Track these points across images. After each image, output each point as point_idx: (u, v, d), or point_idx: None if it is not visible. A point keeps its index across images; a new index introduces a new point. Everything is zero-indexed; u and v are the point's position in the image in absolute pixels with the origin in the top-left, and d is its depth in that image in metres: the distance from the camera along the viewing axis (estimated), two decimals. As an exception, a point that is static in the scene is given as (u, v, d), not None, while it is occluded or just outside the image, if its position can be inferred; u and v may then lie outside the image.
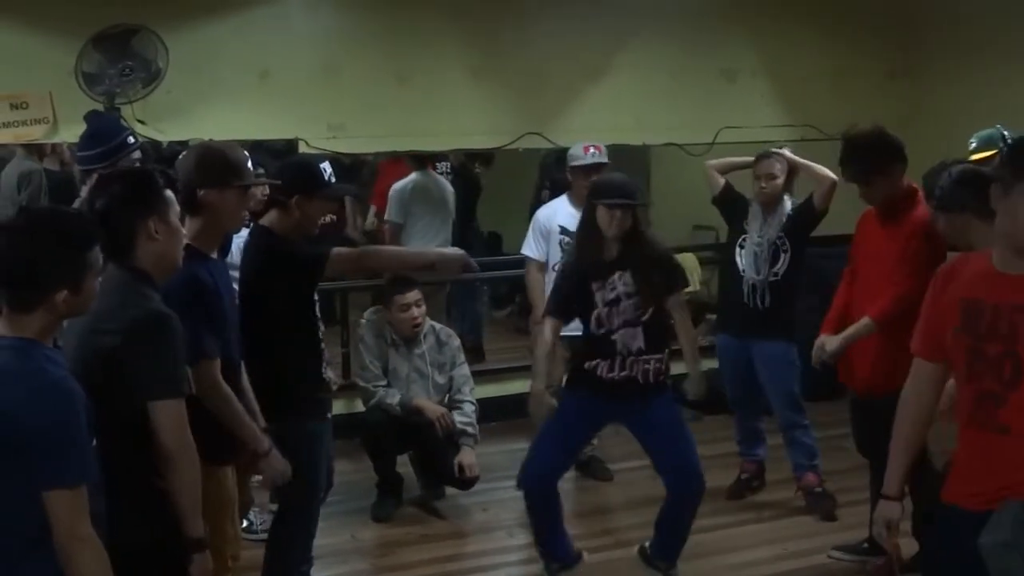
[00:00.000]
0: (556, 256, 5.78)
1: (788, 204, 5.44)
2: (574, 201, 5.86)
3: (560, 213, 5.87)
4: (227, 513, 3.45)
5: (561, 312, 4.50)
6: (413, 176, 7.53)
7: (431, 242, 7.38)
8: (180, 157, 3.82)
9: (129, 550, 2.61)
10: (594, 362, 4.37)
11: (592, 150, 5.81)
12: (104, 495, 2.56)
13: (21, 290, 2.48)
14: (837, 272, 5.62)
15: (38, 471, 2.37)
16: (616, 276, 4.35)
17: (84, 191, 7.55)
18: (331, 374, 4.25)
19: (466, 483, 5.54)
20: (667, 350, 4.48)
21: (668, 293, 4.49)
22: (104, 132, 4.59)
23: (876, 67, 7.59)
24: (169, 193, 3.02)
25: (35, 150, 7.04)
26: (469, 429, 5.55)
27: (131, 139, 4.52)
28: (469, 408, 5.62)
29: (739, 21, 7.31)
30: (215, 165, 3.52)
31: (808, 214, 5.40)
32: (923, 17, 7.62)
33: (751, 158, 5.59)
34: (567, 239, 5.75)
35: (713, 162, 5.76)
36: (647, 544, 4.62)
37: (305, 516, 4.09)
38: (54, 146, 6.84)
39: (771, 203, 5.42)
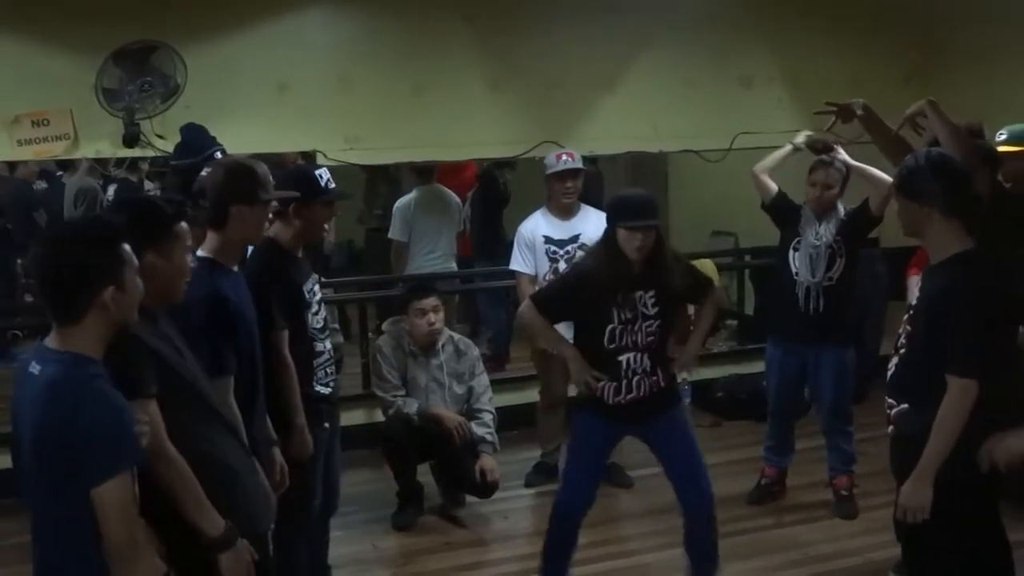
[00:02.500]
0: (544, 267, 5.82)
1: (841, 209, 5.41)
2: (553, 210, 5.90)
3: (541, 224, 5.91)
4: None
5: (546, 309, 4.37)
6: (415, 191, 7.61)
7: (432, 255, 7.46)
8: (206, 172, 3.87)
9: None
10: (600, 385, 4.28)
11: (565, 157, 5.83)
12: None
13: (67, 298, 2.49)
14: (858, 277, 5.65)
15: (88, 475, 2.38)
16: (638, 295, 4.22)
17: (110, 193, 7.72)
18: (324, 390, 4.25)
19: (486, 490, 5.55)
20: (672, 370, 4.43)
21: (697, 300, 4.49)
22: (194, 144, 4.70)
23: (892, 73, 7.56)
24: (182, 227, 3.00)
25: (100, 165, 7.23)
26: (488, 437, 5.57)
27: (219, 154, 4.60)
28: (488, 417, 5.64)
29: (755, 28, 7.30)
30: (245, 180, 3.57)
31: (864, 219, 5.34)
32: (939, 23, 7.60)
33: (788, 147, 5.57)
34: (553, 248, 5.79)
35: (760, 166, 5.62)
36: None
37: (298, 525, 4.10)
38: (133, 160, 6.99)
39: (824, 211, 5.39)
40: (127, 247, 2.59)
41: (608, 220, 4.28)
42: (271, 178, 3.70)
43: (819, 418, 5.68)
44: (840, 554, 5.08)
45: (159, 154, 5.91)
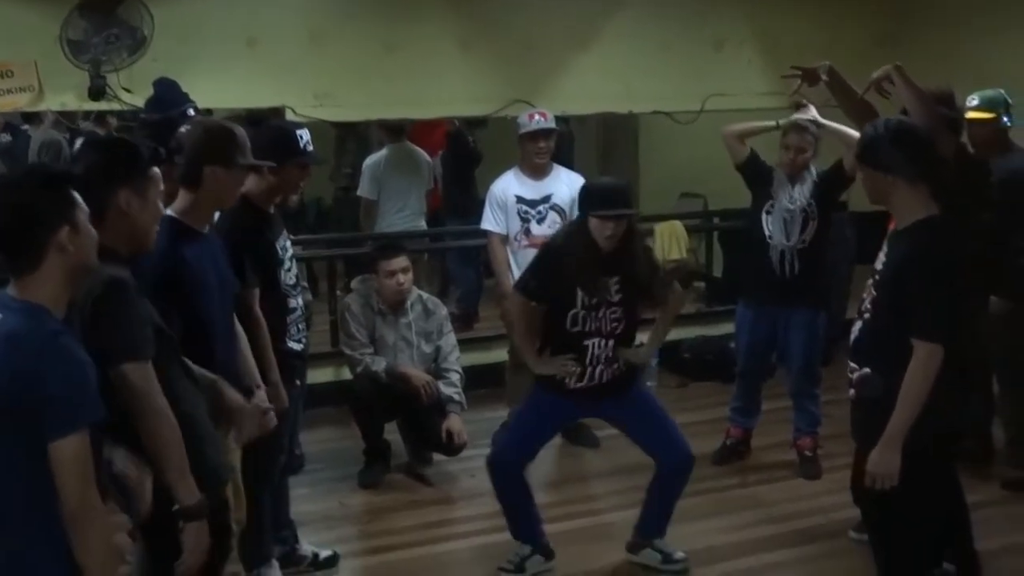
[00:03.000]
0: (516, 227, 5.82)
1: (814, 171, 5.42)
2: (525, 169, 5.89)
3: (513, 184, 5.90)
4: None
5: (532, 294, 4.43)
6: (386, 149, 7.58)
7: (402, 212, 7.45)
8: (184, 129, 3.83)
9: None
10: (573, 370, 4.35)
11: (538, 117, 5.81)
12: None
13: (22, 242, 2.44)
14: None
15: (48, 430, 2.34)
16: (603, 281, 4.29)
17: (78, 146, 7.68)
18: (297, 346, 4.24)
19: (453, 449, 5.57)
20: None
21: (658, 298, 4.52)
22: (167, 99, 4.66)
23: (863, 35, 7.57)
24: (155, 170, 2.99)
25: (66, 118, 7.15)
26: (456, 397, 5.58)
27: (191, 111, 4.58)
28: (455, 377, 5.65)
29: (727, -11, 7.29)
30: (223, 143, 3.55)
31: (837, 180, 5.35)
32: (910, -15, 7.62)
33: (771, 123, 5.54)
34: (524, 208, 5.79)
35: (732, 129, 5.59)
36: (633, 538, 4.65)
37: (264, 481, 4.10)
38: (100, 114, 6.92)
39: (797, 174, 5.40)
40: (76, 193, 2.54)
41: (580, 207, 4.36)
42: (249, 143, 3.68)
43: (788, 380, 5.73)
44: (802, 513, 5.14)
45: (125, 107, 5.84)
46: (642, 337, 4.65)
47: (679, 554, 4.56)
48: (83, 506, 2.36)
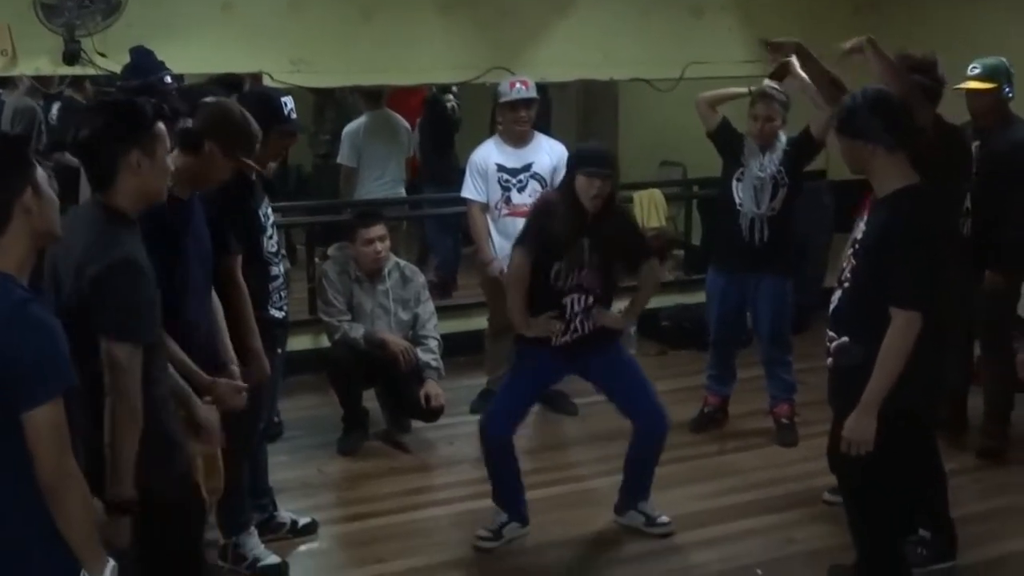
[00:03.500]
0: (496, 195, 5.81)
1: (783, 138, 5.42)
2: (505, 138, 5.87)
3: (494, 152, 5.88)
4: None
5: (534, 248, 4.42)
6: (365, 116, 7.54)
7: (381, 180, 7.42)
8: (206, 100, 3.79)
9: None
10: (557, 327, 4.39)
11: (519, 85, 5.78)
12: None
13: None
14: (804, 208, 5.69)
15: (22, 400, 2.31)
16: (586, 241, 4.34)
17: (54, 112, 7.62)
18: (278, 313, 4.23)
19: (432, 414, 5.57)
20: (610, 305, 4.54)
21: (634, 264, 4.56)
22: (143, 66, 4.65)
23: (842, 3, 7.56)
24: (160, 126, 2.97)
25: (42, 83, 7.09)
26: (433, 363, 5.58)
27: (168, 78, 4.57)
28: (433, 343, 5.64)
29: (707, -45, 7.25)
30: (236, 132, 3.60)
31: (806, 147, 5.37)
32: (891, -49, 7.59)
33: (743, 89, 5.54)
34: (505, 176, 5.78)
35: (705, 96, 5.60)
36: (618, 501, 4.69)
37: (243, 449, 4.11)
38: (76, 79, 6.87)
39: (767, 143, 5.40)
40: (31, 154, 2.51)
41: (568, 167, 4.41)
42: (257, 138, 3.71)
43: (759, 348, 5.75)
44: (779, 480, 5.18)
45: (100, 72, 5.78)
46: (620, 306, 4.67)
47: (663, 518, 4.61)
48: (60, 475, 2.34)
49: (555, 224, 4.34)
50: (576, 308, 4.39)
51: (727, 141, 5.55)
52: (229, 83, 4.89)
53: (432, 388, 5.53)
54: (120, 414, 2.78)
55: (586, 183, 4.27)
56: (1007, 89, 4.99)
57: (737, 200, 5.46)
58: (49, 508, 2.36)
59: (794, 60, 5.07)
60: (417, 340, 5.63)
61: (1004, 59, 5.02)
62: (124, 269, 2.82)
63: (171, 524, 3.02)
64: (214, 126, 3.57)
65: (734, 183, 5.48)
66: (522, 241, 4.49)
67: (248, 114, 3.74)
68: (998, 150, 4.96)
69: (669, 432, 4.57)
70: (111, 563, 2.44)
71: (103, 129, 2.91)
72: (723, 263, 5.68)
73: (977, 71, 4.99)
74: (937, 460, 4.22)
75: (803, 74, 5.06)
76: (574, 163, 4.39)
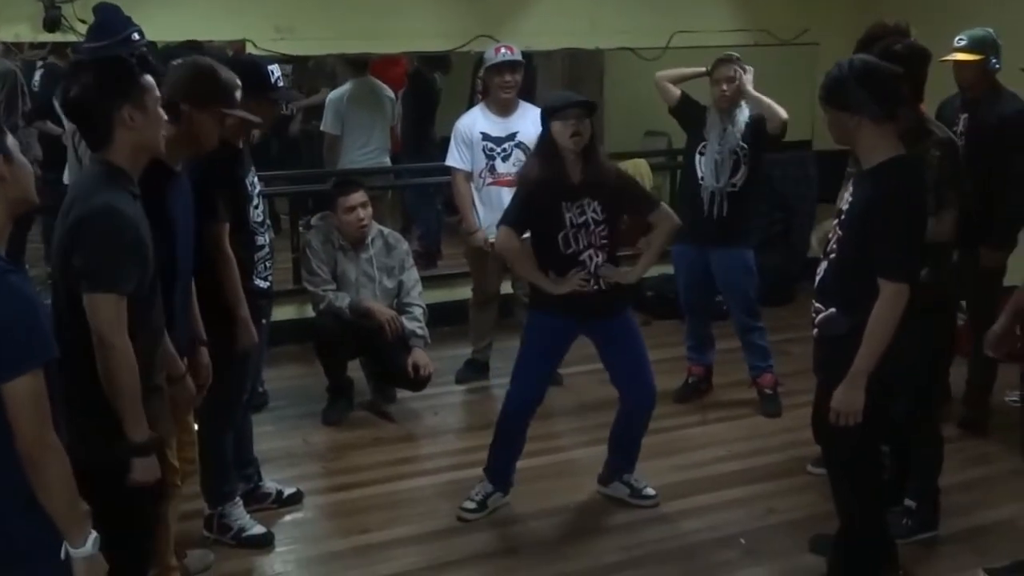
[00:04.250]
0: (481, 164, 5.79)
1: (746, 111, 5.43)
2: (491, 106, 5.85)
3: (480, 120, 5.86)
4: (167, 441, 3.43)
5: (521, 224, 4.39)
6: (349, 84, 7.49)
7: (366, 148, 7.38)
8: (172, 64, 3.75)
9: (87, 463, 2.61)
10: (582, 276, 4.32)
11: (504, 50, 5.75)
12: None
13: None
14: (785, 179, 5.70)
15: (1, 370, 2.28)
16: (586, 201, 4.29)
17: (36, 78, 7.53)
18: (263, 283, 4.22)
19: (418, 384, 5.57)
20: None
21: (646, 211, 4.51)
22: (109, 25, 4.54)
23: (832, -29, 7.55)
24: (148, 78, 2.96)
25: (17, 49, 7.01)
26: (419, 331, 5.58)
27: (136, 35, 4.47)
28: (418, 311, 5.64)
29: (694, -77, 7.21)
30: (205, 84, 3.51)
31: (762, 133, 5.39)
32: (879, -79, 7.55)
33: (702, 68, 5.54)
34: (490, 145, 5.75)
35: (664, 73, 5.64)
36: (603, 471, 4.70)
37: (227, 419, 4.12)
38: (56, 46, 6.81)
39: (730, 108, 5.40)
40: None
41: (542, 122, 4.32)
42: (237, 88, 3.63)
43: (731, 320, 5.78)
44: (762, 451, 5.21)
45: (81, 39, 5.70)
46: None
47: (649, 489, 4.62)
48: (41, 447, 2.32)
49: (542, 180, 4.27)
50: (593, 263, 4.33)
51: (689, 114, 5.58)
52: (192, 48, 4.82)
53: (420, 357, 5.52)
54: (111, 367, 2.79)
55: (561, 126, 4.21)
56: (994, 61, 4.98)
57: (699, 173, 5.48)
58: (30, 479, 2.34)
59: (746, 77, 5.31)
60: (402, 308, 5.63)
61: (991, 30, 5.00)
62: (104, 215, 2.81)
63: (130, 494, 2.97)
64: (183, 85, 3.50)
65: (697, 156, 5.51)
66: (507, 219, 4.42)
67: (217, 64, 3.69)
68: (986, 122, 4.96)
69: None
70: (93, 534, 2.44)
71: (92, 88, 2.90)
72: (687, 235, 5.68)
73: (963, 43, 4.96)
74: (938, 431, 4.25)
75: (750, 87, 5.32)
76: (546, 114, 4.30)
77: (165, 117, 3.04)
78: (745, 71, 5.38)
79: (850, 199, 3.52)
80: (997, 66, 5.00)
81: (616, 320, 4.47)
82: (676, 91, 5.57)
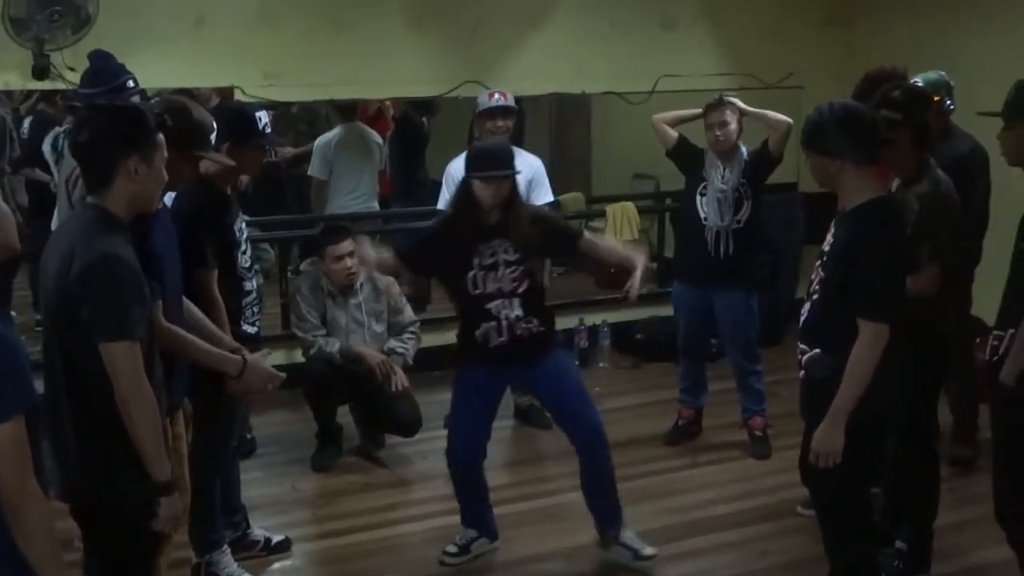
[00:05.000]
0: None
1: (744, 150, 5.46)
2: None
3: None
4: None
5: (409, 260, 4.49)
6: (338, 129, 7.53)
7: (354, 194, 7.41)
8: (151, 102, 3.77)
9: (104, 504, 2.61)
10: (482, 329, 4.27)
11: (497, 95, 5.76)
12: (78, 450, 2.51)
13: None
14: (772, 221, 5.72)
15: None
16: (497, 242, 4.25)
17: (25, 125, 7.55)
18: (251, 329, 4.22)
19: (408, 429, 5.55)
20: (550, 316, 4.44)
21: (571, 248, 4.48)
22: (104, 72, 4.57)
23: (813, 15, 7.63)
24: (160, 136, 2.99)
25: (8, 98, 7.04)
26: (399, 349, 5.59)
27: (131, 82, 4.51)
28: (407, 336, 5.67)
29: (678, -31, 7.30)
30: (181, 126, 3.49)
31: (764, 160, 5.42)
32: (860, -37, 7.66)
33: (699, 110, 5.56)
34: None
35: (660, 116, 5.65)
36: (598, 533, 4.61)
37: (215, 464, 4.11)
38: (45, 94, 6.87)
39: (728, 151, 5.43)
40: None
41: (465, 171, 4.33)
42: (212, 130, 3.65)
43: (729, 361, 5.78)
44: (752, 493, 5.20)
45: (70, 87, 5.74)
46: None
47: (648, 550, 4.48)
48: (22, 493, 2.31)
49: (455, 227, 4.29)
50: (504, 311, 4.27)
51: (686, 157, 5.59)
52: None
53: (396, 369, 5.50)
54: (134, 412, 2.84)
55: (481, 187, 4.21)
56: (948, 102, 5.07)
57: (702, 214, 5.49)
58: (10, 527, 2.33)
59: (736, 101, 5.40)
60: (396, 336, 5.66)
61: (943, 72, 5.09)
62: (107, 262, 2.83)
63: (133, 538, 3.02)
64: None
65: (698, 197, 5.51)
66: (404, 252, 4.52)
67: (196, 105, 3.71)
68: (942, 162, 5.01)
69: (634, 449, 4.52)
70: None
71: (105, 132, 2.93)
72: (688, 277, 5.71)
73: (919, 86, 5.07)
74: (935, 473, 4.25)
75: (752, 109, 5.42)
76: (468, 166, 4.30)
77: (167, 179, 3.06)
78: (738, 112, 5.41)
79: (831, 240, 3.54)
80: (952, 107, 5.09)
81: (540, 366, 4.40)
82: (673, 134, 5.59)
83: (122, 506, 2.95)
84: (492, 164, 4.23)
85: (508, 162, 4.27)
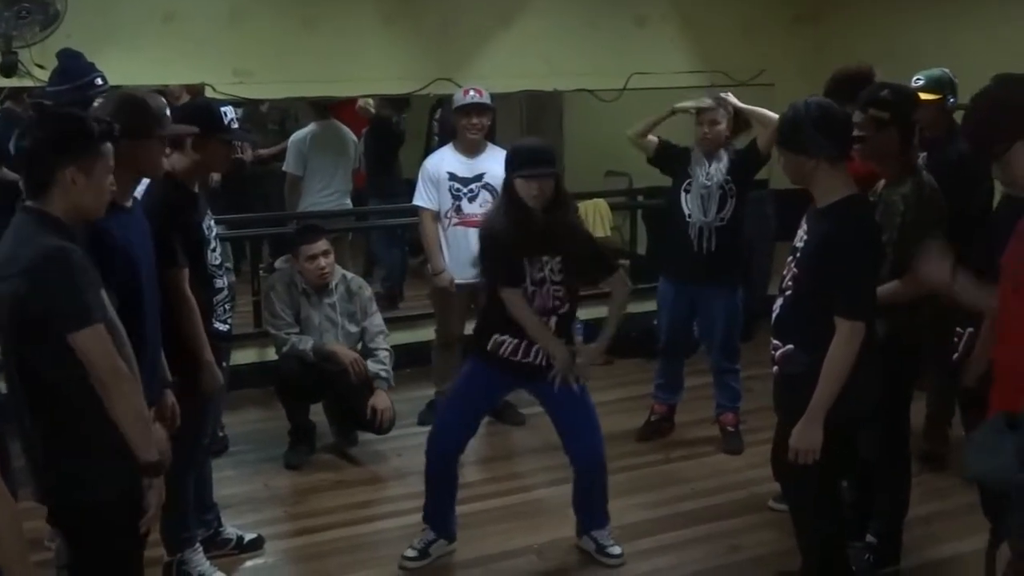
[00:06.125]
0: (447, 204, 5.79)
1: (730, 149, 5.48)
2: (459, 147, 5.86)
3: (447, 160, 5.86)
4: None
5: (515, 280, 4.23)
6: (312, 125, 7.51)
7: (327, 191, 7.39)
8: (97, 104, 3.74)
9: (76, 504, 2.60)
10: (502, 339, 4.25)
11: (472, 92, 5.77)
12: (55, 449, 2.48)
13: None
14: (747, 218, 5.73)
15: None
16: (546, 259, 4.21)
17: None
18: (223, 326, 4.20)
19: (382, 428, 5.54)
20: (572, 336, 4.43)
21: (600, 278, 4.44)
22: (72, 70, 4.54)
23: (783, 12, 7.67)
24: (107, 147, 2.93)
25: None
26: (383, 373, 5.55)
27: (99, 80, 4.47)
28: (383, 355, 5.62)
29: (649, -34, 7.32)
30: (137, 115, 3.46)
31: (752, 158, 5.44)
32: (830, -38, 7.71)
33: (666, 112, 5.56)
34: (456, 185, 5.77)
35: (634, 130, 5.60)
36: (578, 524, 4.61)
37: (189, 462, 4.08)
38: (12, 91, 6.79)
39: (713, 149, 5.45)
40: None
41: (506, 170, 4.28)
42: (167, 111, 3.60)
43: (709, 357, 5.79)
44: (724, 488, 5.22)
45: (38, 84, 5.69)
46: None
47: (615, 548, 4.51)
48: None
49: (507, 232, 4.18)
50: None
51: (670, 160, 5.60)
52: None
53: (381, 401, 5.48)
54: (114, 394, 2.82)
55: (524, 186, 4.15)
56: (951, 99, 5.07)
57: (686, 211, 5.49)
58: None
59: (730, 96, 5.45)
60: (367, 353, 5.60)
61: (947, 70, 5.10)
62: (56, 254, 2.78)
63: (107, 538, 2.99)
64: (116, 121, 3.39)
65: (682, 194, 5.52)
66: (498, 279, 4.28)
67: (139, 92, 3.68)
68: (947, 160, 5.01)
69: (607, 445, 4.50)
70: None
71: (44, 140, 2.88)
72: (673, 273, 5.71)
73: (921, 83, 5.03)
74: (907, 470, 4.28)
75: (745, 105, 5.43)
76: (510, 167, 4.23)
77: (113, 188, 3.02)
78: (729, 113, 5.43)
79: (804, 236, 3.56)
80: (954, 103, 5.09)
81: (556, 387, 4.35)
82: (653, 140, 5.59)
83: (95, 505, 2.92)
84: (535, 162, 4.16)
85: (551, 159, 4.22)
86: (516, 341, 4.28)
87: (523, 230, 4.17)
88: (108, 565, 3.00)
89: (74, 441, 2.88)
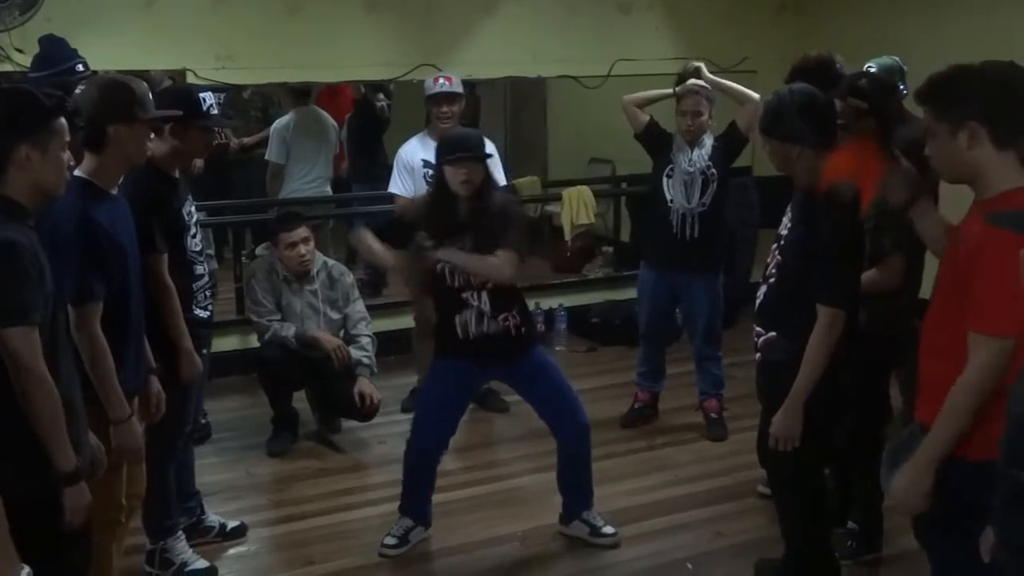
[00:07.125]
0: (422, 191, 5.77)
1: (712, 135, 5.48)
2: (432, 135, 5.82)
3: (421, 148, 5.84)
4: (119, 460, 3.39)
5: (383, 234, 4.30)
6: (293, 113, 7.48)
7: (308, 178, 7.37)
8: (79, 90, 3.71)
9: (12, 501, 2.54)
10: (461, 316, 4.23)
11: (442, 80, 5.75)
12: None
13: None
14: (731, 204, 5.73)
15: None
16: (466, 238, 4.17)
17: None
18: (203, 313, 4.18)
19: (366, 414, 5.53)
20: (522, 306, 4.37)
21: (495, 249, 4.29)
22: (54, 55, 4.49)
23: (766, 1, 7.67)
24: (60, 122, 2.84)
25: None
26: (365, 360, 5.54)
27: (81, 66, 4.43)
28: (366, 341, 5.60)
29: (634, -47, 7.30)
30: (122, 100, 3.42)
31: (734, 141, 5.45)
32: (812, -49, 7.71)
33: (669, 90, 5.57)
34: (430, 172, 5.75)
35: (631, 97, 5.62)
36: (563, 514, 4.60)
37: (170, 450, 4.07)
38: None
39: (697, 137, 5.45)
40: None
41: (436, 160, 4.31)
42: (150, 95, 3.57)
43: (691, 343, 5.80)
44: (709, 474, 5.23)
45: (18, 69, 5.64)
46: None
47: (608, 528, 4.52)
48: None
49: (426, 218, 4.21)
50: (474, 303, 4.23)
51: (655, 141, 5.59)
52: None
53: (366, 386, 5.48)
54: (35, 401, 2.70)
55: (452, 172, 4.16)
56: (902, 87, 5.10)
57: (668, 196, 5.49)
58: None
59: (703, 69, 5.47)
60: (350, 340, 5.59)
61: (897, 58, 5.12)
62: (3, 249, 2.67)
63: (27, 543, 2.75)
64: (104, 107, 3.41)
65: (664, 179, 5.51)
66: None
67: (121, 76, 3.64)
68: (898, 146, 5.04)
69: (591, 434, 4.47)
70: (25, 569, 2.38)
71: None
72: (654, 260, 5.71)
73: (873, 71, 5.08)
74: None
75: (719, 80, 5.47)
76: (439, 155, 4.26)
77: (72, 163, 2.94)
78: (710, 100, 5.42)
79: (788, 224, 3.56)
80: (905, 92, 5.12)
81: (519, 365, 4.38)
82: (644, 116, 5.58)
83: (23, 504, 2.72)
84: (457, 148, 4.19)
85: (477, 145, 4.23)
86: (471, 312, 4.22)
87: (445, 216, 4.18)
88: (58, 554, 2.91)
89: (13, 434, 2.74)
